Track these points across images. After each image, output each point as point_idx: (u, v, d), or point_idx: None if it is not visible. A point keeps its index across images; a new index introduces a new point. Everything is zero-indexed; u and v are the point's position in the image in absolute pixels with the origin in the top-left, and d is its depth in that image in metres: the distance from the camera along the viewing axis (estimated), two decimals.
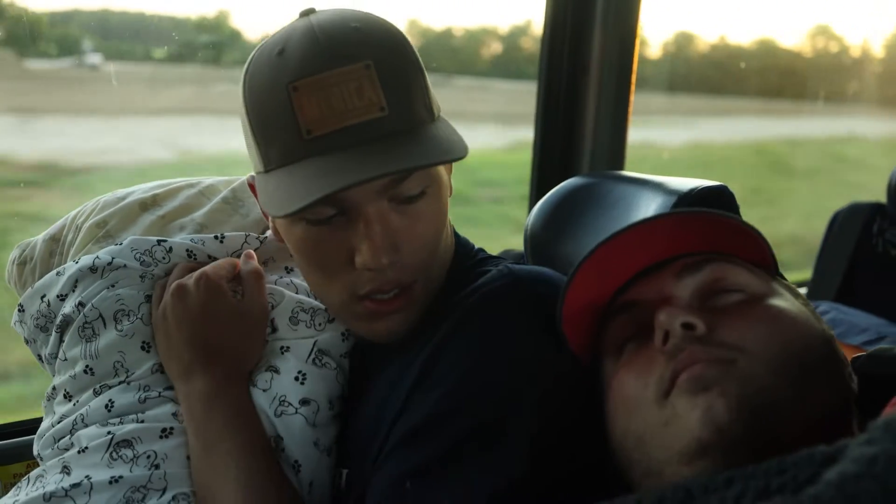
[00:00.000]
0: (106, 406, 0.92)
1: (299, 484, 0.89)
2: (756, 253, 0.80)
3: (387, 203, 0.83)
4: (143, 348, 0.95)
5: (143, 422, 0.90)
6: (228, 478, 0.86)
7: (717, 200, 0.99)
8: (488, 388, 0.80)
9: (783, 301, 0.74)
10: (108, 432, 0.89)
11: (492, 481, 0.77)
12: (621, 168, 1.72)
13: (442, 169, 0.89)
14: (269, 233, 1.05)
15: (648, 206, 1.04)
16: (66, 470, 0.87)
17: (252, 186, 0.94)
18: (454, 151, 0.82)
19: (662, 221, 0.77)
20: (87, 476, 0.85)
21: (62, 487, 0.84)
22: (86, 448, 0.88)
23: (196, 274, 0.95)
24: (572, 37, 1.66)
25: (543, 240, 1.15)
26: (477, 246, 1.00)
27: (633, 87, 1.69)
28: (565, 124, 1.70)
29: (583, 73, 1.66)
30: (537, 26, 1.70)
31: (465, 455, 0.79)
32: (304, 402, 0.91)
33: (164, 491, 0.86)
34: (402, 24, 0.88)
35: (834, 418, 0.66)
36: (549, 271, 0.91)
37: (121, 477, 0.85)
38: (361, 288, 0.86)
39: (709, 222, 0.78)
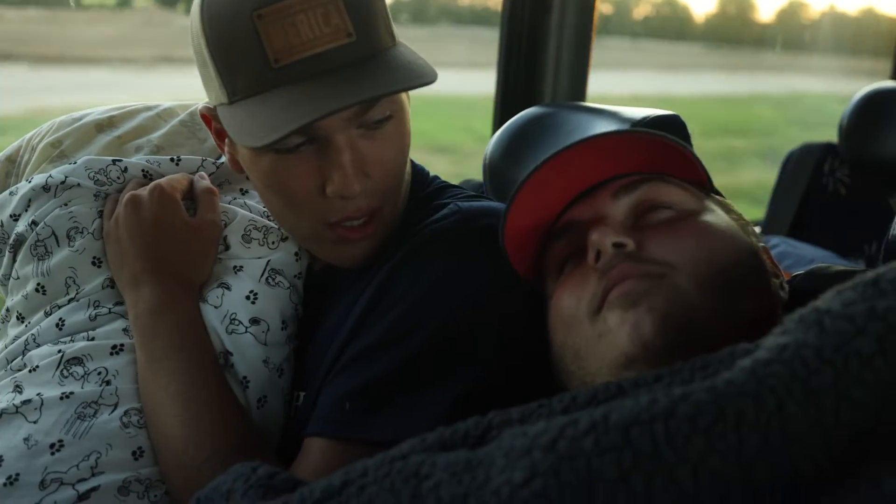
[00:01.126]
0: (57, 325, 0.92)
1: (246, 399, 0.89)
2: (691, 172, 0.82)
3: (355, 130, 0.83)
4: (94, 263, 0.95)
5: (93, 339, 0.90)
6: (169, 391, 0.86)
7: (670, 129, 1.01)
8: (435, 315, 0.82)
9: (713, 217, 0.76)
10: (59, 350, 0.89)
11: (432, 409, 0.79)
12: (583, 101, 1.74)
13: (404, 97, 0.89)
14: (224, 157, 1.05)
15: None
16: (17, 389, 0.88)
17: (205, 117, 0.92)
18: (425, 76, 0.82)
19: (597, 142, 0.78)
20: (38, 393, 0.86)
21: (13, 404, 0.85)
22: (37, 367, 0.89)
23: (150, 185, 0.95)
24: None
25: (501, 168, 1.17)
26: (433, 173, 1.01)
27: (594, 25, 1.70)
28: (528, 59, 1.71)
29: (544, 10, 1.67)
30: None
31: (407, 380, 0.81)
32: (254, 321, 0.91)
33: (115, 406, 0.86)
34: None
35: (761, 327, 0.69)
36: (498, 205, 0.92)
37: (72, 393, 0.86)
38: (332, 216, 0.86)
39: (644, 142, 0.79)
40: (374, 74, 0.80)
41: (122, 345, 0.90)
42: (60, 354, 0.89)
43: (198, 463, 0.83)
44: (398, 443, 0.65)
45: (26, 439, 0.82)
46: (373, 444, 0.73)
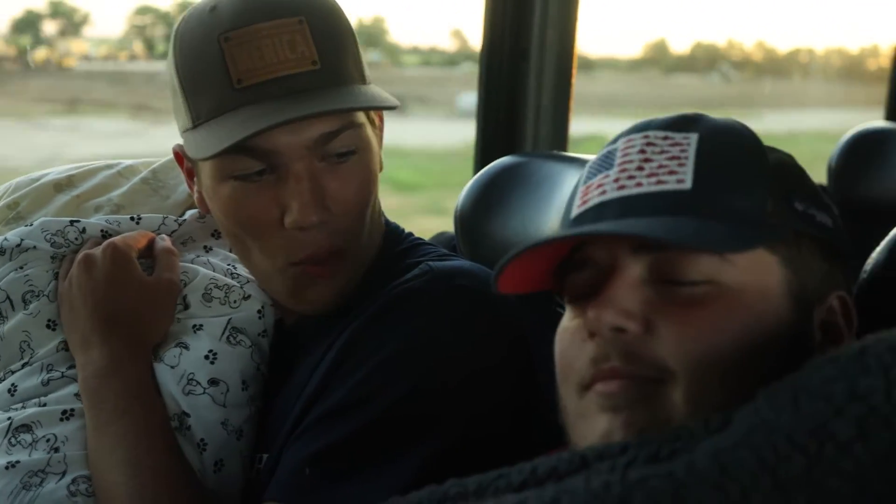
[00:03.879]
0: (9, 391, 0.89)
1: (202, 463, 0.87)
2: None
3: (317, 162, 0.83)
4: (48, 326, 0.93)
5: (45, 405, 0.88)
6: (115, 458, 0.83)
7: None
8: (400, 379, 0.79)
9: (750, 290, 0.63)
10: (8, 418, 0.86)
11: (393, 478, 0.76)
12: (564, 149, 1.72)
13: (372, 137, 0.89)
14: (188, 214, 1.03)
15: (572, 185, 1.04)
16: None
17: (178, 155, 0.92)
18: (386, 101, 0.83)
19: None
20: None
21: None
22: None
23: (104, 243, 0.93)
24: (512, 22, 1.66)
25: (472, 220, 1.15)
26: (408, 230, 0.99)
27: (574, 72, 1.70)
28: (507, 106, 1.70)
29: (522, 57, 1.66)
30: None
31: (369, 446, 0.78)
32: (212, 381, 0.89)
33: (63, 474, 0.83)
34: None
35: None
36: (470, 264, 0.91)
37: (18, 462, 0.83)
38: (296, 254, 0.85)
39: None
40: (333, 98, 0.81)
41: (72, 410, 0.88)
42: (9, 422, 0.86)
43: None
44: None
45: None
46: None
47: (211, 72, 0.81)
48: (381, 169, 0.92)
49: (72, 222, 0.97)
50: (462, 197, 1.17)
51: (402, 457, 0.77)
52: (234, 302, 0.94)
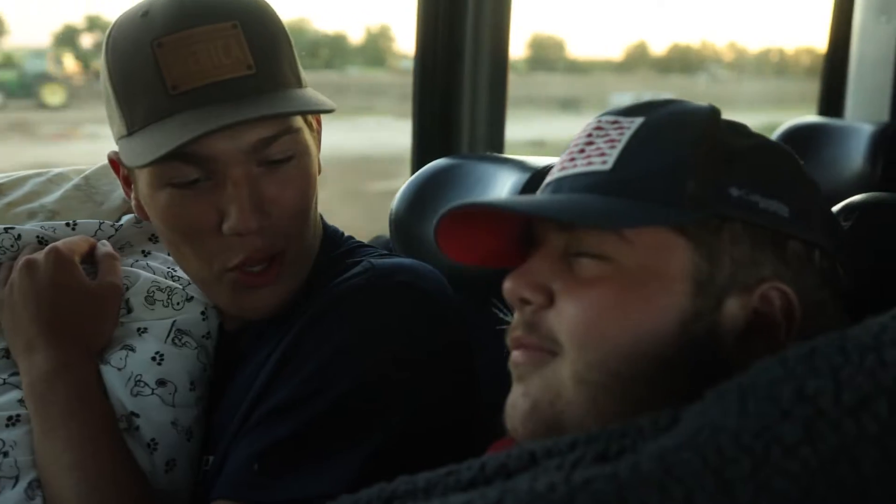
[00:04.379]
0: None
1: (152, 464, 0.87)
2: None
3: (255, 167, 0.83)
4: None
5: None
6: (63, 462, 0.83)
7: None
8: (345, 375, 0.81)
9: (646, 281, 0.63)
10: None
11: (341, 470, 0.78)
12: (501, 151, 1.74)
13: (310, 141, 0.89)
14: (124, 219, 1.03)
15: (504, 185, 1.05)
16: None
17: (113, 162, 0.92)
18: (322, 105, 0.84)
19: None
20: None
21: None
22: None
23: (47, 248, 0.93)
24: (445, 24, 1.67)
25: (407, 222, 1.16)
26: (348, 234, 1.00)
27: (507, 73, 1.71)
28: (442, 109, 1.71)
29: (456, 59, 1.67)
30: None
31: (316, 441, 0.79)
32: (160, 382, 0.89)
33: (17, 479, 0.83)
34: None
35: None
36: (412, 261, 0.92)
37: None
38: (231, 258, 0.85)
39: None
40: (270, 102, 0.81)
41: (18, 415, 0.87)
42: None
43: None
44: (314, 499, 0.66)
45: None
46: None
47: (145, 78, 0.80)
48: (319, 172, 0.93)
49: (6, 229, 0.96)
50: (397, 199, 1.18)
51: (349, 450, 0.79)
52: (178, 304, 0.95)
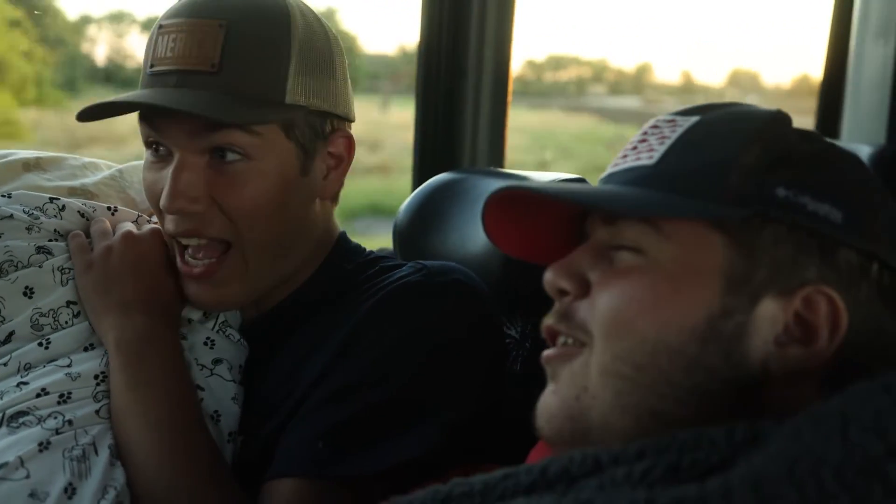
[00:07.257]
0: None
1: (218, 434, 0.92)
2: None
3: (203, 158, 0.88)
4: (25, 294, 0.93)
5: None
6: (150, 418, 0.87)
7: None
8: (414, 359, 0.87)
9: (675, 274, 0.62)
10: None
11: (400, 451, 0.83)
12: (501, 166, 1.76)
13: (286, 152, 0.91)
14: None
15: None
16: None
17: None
18: (243, 120, 0.86)
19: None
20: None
21: None
22: None
23: (147, 228, 1.00)
24: (448, 39, 1.69)
25: (411, 236, 1.17)
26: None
27: (510, 89, 1.73)
28: (444, 124, 1.72)
29: (460, 75, 1.69)
30: None
31: (378, 422, 0.85)
32: (216, 361, 0.96)
33: (94, 442, 0.86)
34: None
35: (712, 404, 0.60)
36: (454, 264, 0.97)
37: (49, 442, 0.83)
38: (168, 228, 0.91)
39: None
40: (207, 100, 0.85)
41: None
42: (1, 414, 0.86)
43: (169, 494, 0.84)
44: (374, 480, 0.74)
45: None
46: (348, 482, 0.81)
47: (146, 53, 0.91)
48: (340, 189, 0.98)
49: (51, 199, 0.99)
50: (401, 213, 1.19)
51: (419, 429, 0.84)
52: None
